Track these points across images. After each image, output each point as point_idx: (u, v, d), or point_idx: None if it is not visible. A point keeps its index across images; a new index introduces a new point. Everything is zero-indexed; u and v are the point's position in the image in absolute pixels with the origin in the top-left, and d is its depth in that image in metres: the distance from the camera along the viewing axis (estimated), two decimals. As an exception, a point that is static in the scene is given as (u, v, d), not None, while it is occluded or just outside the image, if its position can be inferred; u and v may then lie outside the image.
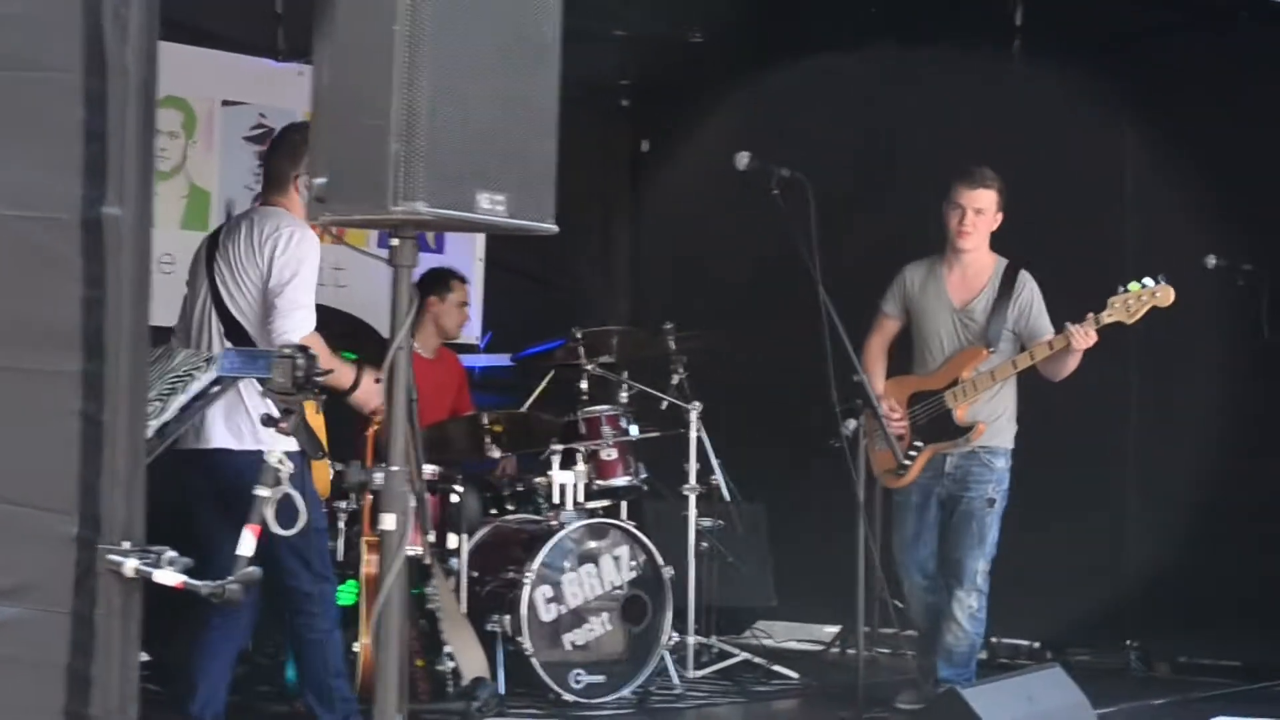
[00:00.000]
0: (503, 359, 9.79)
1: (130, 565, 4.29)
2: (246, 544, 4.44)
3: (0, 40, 4.42)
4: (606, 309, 10.90)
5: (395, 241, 4.53)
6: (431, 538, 8.11)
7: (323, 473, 6.88)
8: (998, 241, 8.19)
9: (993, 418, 8.05)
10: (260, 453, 6.33)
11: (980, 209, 8.02)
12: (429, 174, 4.28)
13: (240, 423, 6.48)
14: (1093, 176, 9.54)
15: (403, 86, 4.25)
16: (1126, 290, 7.73)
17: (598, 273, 11.41)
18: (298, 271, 6.47)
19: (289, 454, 6.21)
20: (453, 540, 8.31)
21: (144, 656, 8.40)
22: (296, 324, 6.42)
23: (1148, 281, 7.72)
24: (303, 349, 4.51)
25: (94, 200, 4.33)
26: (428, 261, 9.33)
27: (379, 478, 4.48)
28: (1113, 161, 9.54)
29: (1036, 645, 9.66)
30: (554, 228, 4.61)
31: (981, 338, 8.04)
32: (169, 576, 4.27)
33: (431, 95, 4.28)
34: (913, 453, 8.07)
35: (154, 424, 4.64)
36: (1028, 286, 8.08)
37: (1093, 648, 9.56)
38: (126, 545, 4.33)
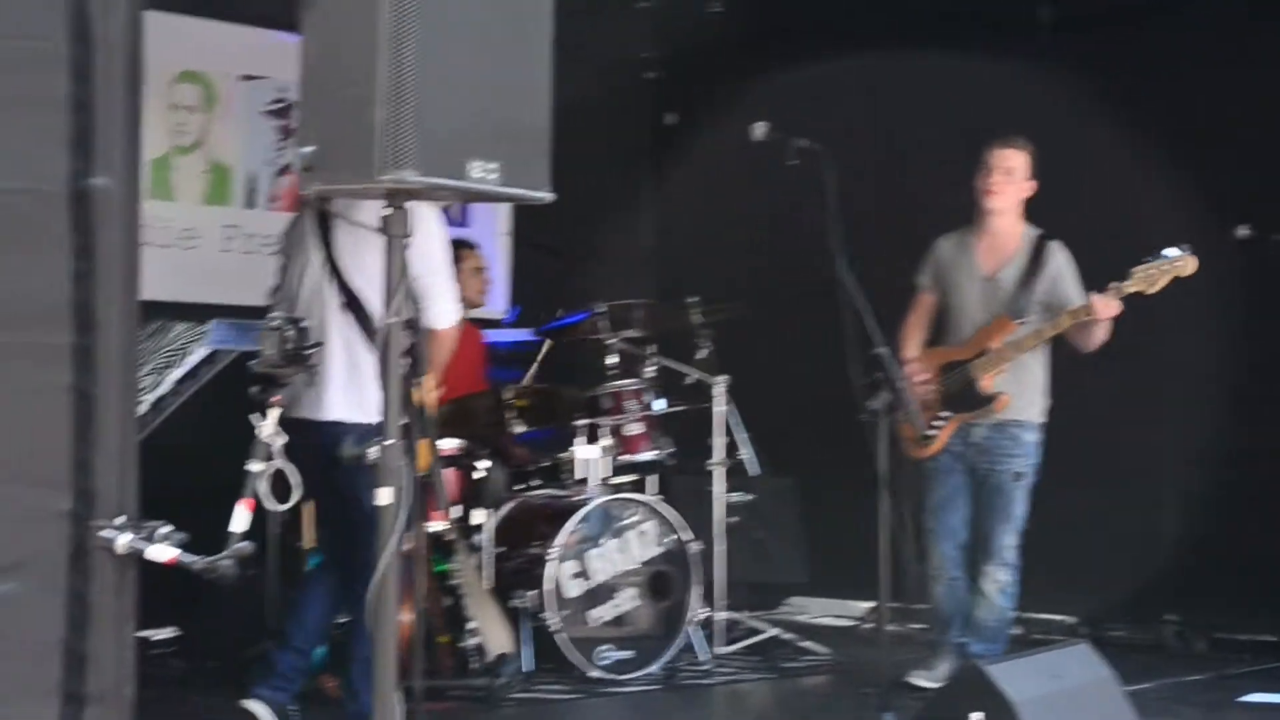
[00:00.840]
0: (528, 333, 9.72)
1: (122, 541, 4.23)
2: (239, 519, 4.38)
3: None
4: (635, 283, 10.83)
5: (386, 211, 4.46)
6: (456, 513, 8.09)
7: (424, 450, 6.78)
8: (1030, 213, 8.10)
9: (1020, 390, 7.99)
10: (374, 425, 6.30)
11: (1009, 169, 7.98)
12: (417, 142, 4.21)
13: (356, 394, 6.38)
14: (1122, 145, 9.41)
15: (389, 53, 4.18)
16: (1150, 260, 7.65)
17: (625, 246, 11.33)
18: (437, 255, 6.40)
19: None
20: (477, 516, 8.27)
21: (171, 632, 8.51)
22: (443, 314, 6.39)
23: (1171, 251, 7.65)
24: (294, 321, 4.44)
25: (81, 172, 4.27)
26: (452, 234, 9.29)
27: (373, 452, 4.41)
28: (1142, 130, 9.41)
29: (1072, 621, 9.55)
30: (549, 196, 4.53)
31: (1009, 308, 7.97)
32: (161, 552, 4.22)
33: (419, 61, 4.21)
34: (938, 422, 8.01)
35: (149, 398, 4.58)
36: (1057, 257, 8.00)
37: (1130, 623, 9.47)
38: (119, 521, 4.27)
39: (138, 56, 4.33)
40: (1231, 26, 9.01)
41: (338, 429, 6.33)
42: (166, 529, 4.24)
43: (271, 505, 4.52)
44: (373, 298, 6.40)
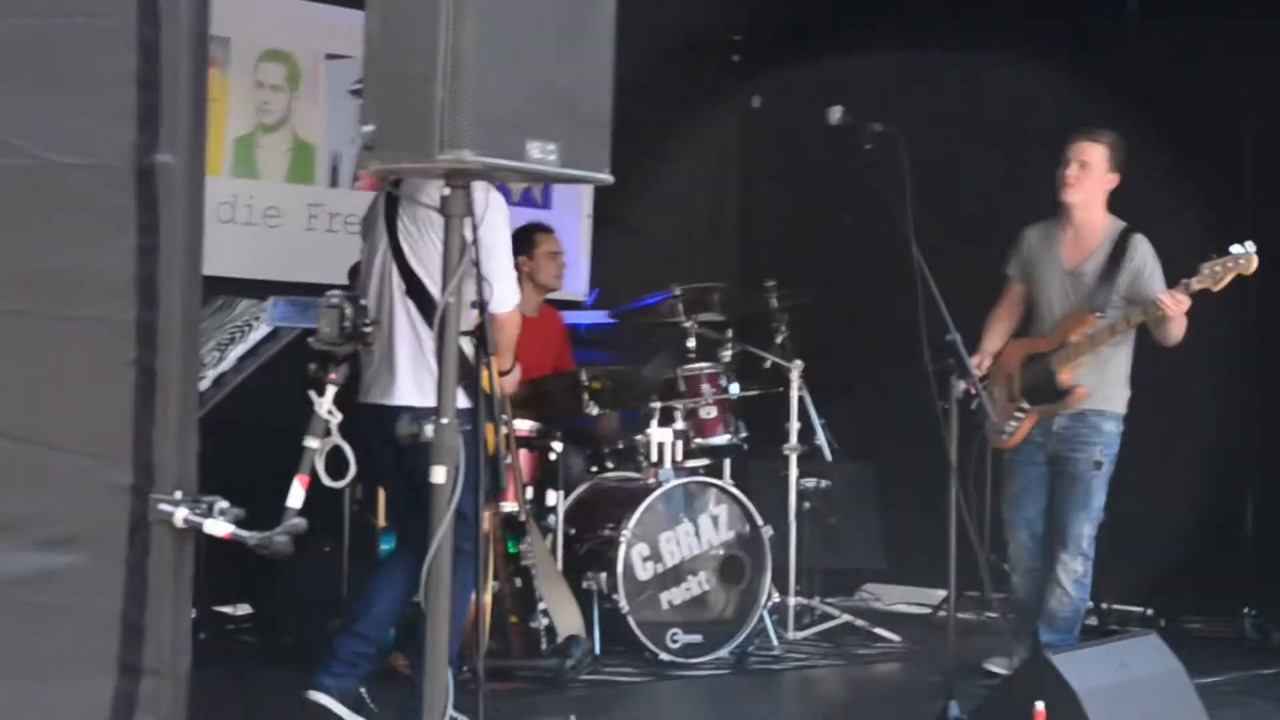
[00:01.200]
0: (606, 315, 9.73)
1: (180, 515, 4.26)
2: (295, 495, 4.40)
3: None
4: (718, 266, 10.81)
5: (446, 190, 4.47)
6: (529, 494, 8.10)
7: (491, 433, 6.79)
8: (1116, 205, 8.03)
9: (1102, 381, 7.94)
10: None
11: (1086, 162, 7.91)
12: (476, 122, 4.21)
13: (425, 379, 6.32)
14: (1209, 138, 9.31)
15: (448, 32, 4.18)
16: (1216, 257, 7.59)
17: (709, 229, 11.32)
18: (496, 240, 6.31)
19: (460, 411, 6.17)
20: (551, 497, 8.29)
21: (245, 609, 8.58)
22: (501, 297, 6.30)
23: (1235, 248, 7.57)
24: (353, 299, 4.46)
25: (147, 148, 4.30)
26: (533, 217, 9.31)
27: (429, 429, 4.43)
28: (1230, 122, 9.32)
29: (1149, 612, 9.47)
30: (609, 178, 4.52)
31: (1089, 301, 7.92)
32: (218, 527, 4.24)
33: (477, 41, 4.21)
34: (1019, 414, 7.99)
35: (211, 373, 4.61)
36: (1140, 251, 7.93)
37: (1207, 615, 9.40)
38: (178, 495, 4.30)
39: (204, 34, 4.35)
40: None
41: (407, 414, 6.35)
42: (224, 504, 4.26)
43: (328, 482, 4.53)
44: (432, 286, 6.37)
